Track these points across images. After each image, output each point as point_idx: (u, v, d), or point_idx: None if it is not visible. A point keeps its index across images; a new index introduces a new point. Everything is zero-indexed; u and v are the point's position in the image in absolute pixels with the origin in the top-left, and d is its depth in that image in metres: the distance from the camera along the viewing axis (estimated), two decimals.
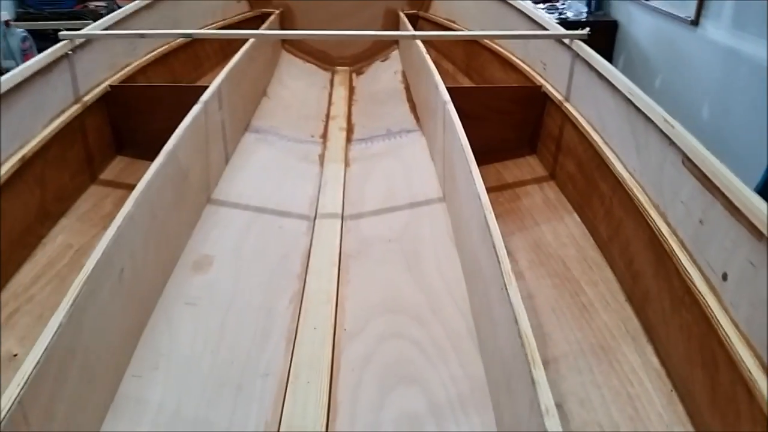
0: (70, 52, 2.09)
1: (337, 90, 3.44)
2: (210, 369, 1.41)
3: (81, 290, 1.15)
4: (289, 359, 1.45)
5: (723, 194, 1.17)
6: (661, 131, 1.46)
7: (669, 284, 1.33)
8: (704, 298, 1.17)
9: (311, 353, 1.47)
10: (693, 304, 1.21)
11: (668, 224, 1.39)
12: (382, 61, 3.71)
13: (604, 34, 4.47)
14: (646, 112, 1.56)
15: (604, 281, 1.65)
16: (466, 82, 3.15)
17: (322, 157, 2.58)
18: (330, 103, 3.24)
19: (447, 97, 2.16)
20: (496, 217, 2.01)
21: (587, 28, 2.16)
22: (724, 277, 1.14)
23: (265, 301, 1.66)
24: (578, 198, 1.99)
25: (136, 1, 2.74)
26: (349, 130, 2.88)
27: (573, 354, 1.41)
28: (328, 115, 3.05)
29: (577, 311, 1.54)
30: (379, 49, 3.74)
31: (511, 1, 2.80)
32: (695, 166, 1.28)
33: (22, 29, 4.05)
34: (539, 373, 0.96)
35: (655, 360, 1.36)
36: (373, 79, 3.56)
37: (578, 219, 1.94)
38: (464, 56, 3.23)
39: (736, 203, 1.12)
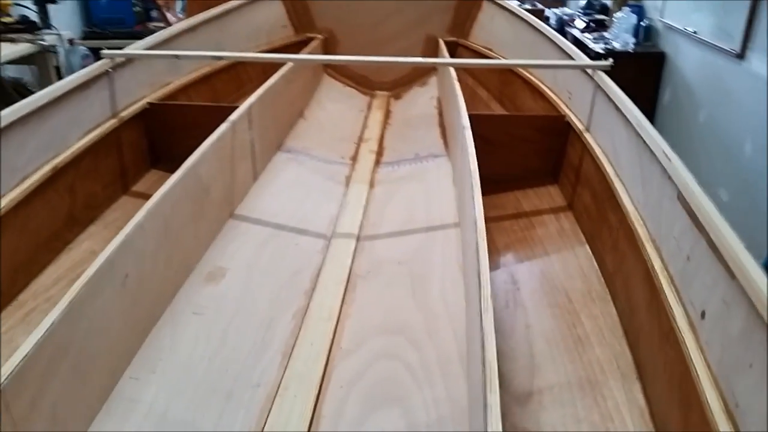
0: (110, 70, 2.22)
1: (374, 113, 3.51)
2: (204, 375, 1.47)
3: (79, 292, 1.23)
4: (282, 372, 1.50)
5: (707, 231, 1.15)
6: (661, 165, 1.45)
7: (658, 320, 1.31)
8: (683, 336, 1.16)
9: (304, 368, 1.51)
10: (675, 342, 1.19)
11: (662, 259, 1.38)
12: (421, 86, 3.77)
13: (651, 66, 4.41)
14: (649, 144, 1.55)
15: (604, 315, 1.63)
16: (498, 109, 3.16)
17: (348, 178, 2.65)
18: (365, 126, 3.31)
19: (466, 122, 2.19)
20: (508, 245, 2.06)
21: (610, 60, 2.16)
22: (703, 315, 1.13)
23: (269, 315, 1.71)
24: (591, 229, 1.98)
25: (181, 23, 2.90)
26: (379, 152, 2.94)
27: (559, 386, 1.40)
28: (361, 138, 3.12)
29: (572, 343, 1.53)
30: (418, 75, 3.80)
31: (543, 30, 2.81)
32: (686, 201, 1.27)
33: (84, 47, 4.33)
34: (493, 398, 0.97)
35: (640, 397, 1.34)
36: (409, 104, 3.62)
37: (589, 251, 1.93)
38: (498, 84, 3.25)
39: (716, 241, 1.10)
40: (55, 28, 4.11)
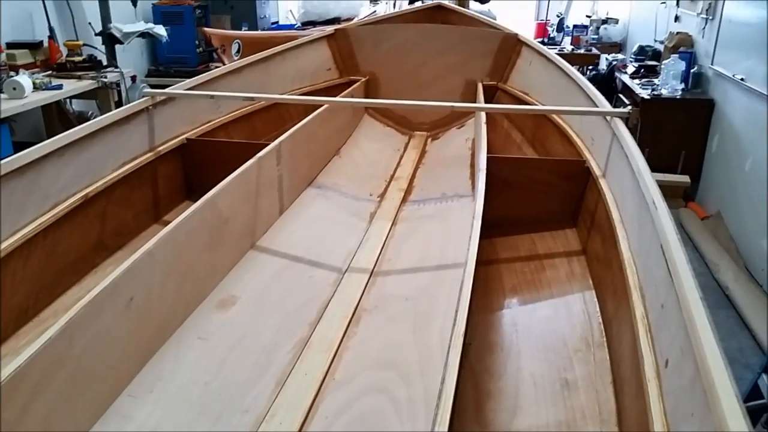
0: (150, 107, 2.39)
1: (409, 153, 3.59)
2: (198, 398, 1.54)
3: (79, 311, 1.34)
4: (273, 399, 1.55)
5: (675, 284, 1.16)
6: (650, 213, 1.45)
7: (637, 369, 1.30)
8: (648, 385, 1.15)
9: (294, 397, 1.57)
10: (642, 391, 1.19)
11: (644, 306, 1.37)
12: (458, 128, 3.83)
13: (700, 113, 4.34)
14: (644, 191, 1.55)
15: (597, 361, 1.62)
16: (530, 152, 3.18)
17: (373, 214, 2.72)
18: (398, 164, 3.39)
19: (483, 164, 2.24)
20: (515, 287, 2.07)
21: (628, 108, 2.17)
22: (666, 363, 1.12)
23: (271, 344, 1.78)
24: (599, 274, 1.97)
25: (228, 66, 3.08)
26: (408, 191, 3.00)
27: (537, 428, 1.40)
28: (392, 176, 3.20)
29: (559, 387, 1.53)
30: (456, 117, 3.86)
31: (572, 76, 2.84)
32: (663, 251, 1.27)
33: (144, 84, 4.63)
34: (441, 430, 1.00)
35: None
36: (445, 145, 3.68)
37: (595, 297, 1.92)
38: (532, 127, 3.27)
39: (678, 292, 1.11)
40: (119, 67, 4.42)
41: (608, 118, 2.22)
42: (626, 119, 2.17)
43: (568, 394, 1.50)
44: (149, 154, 2.39)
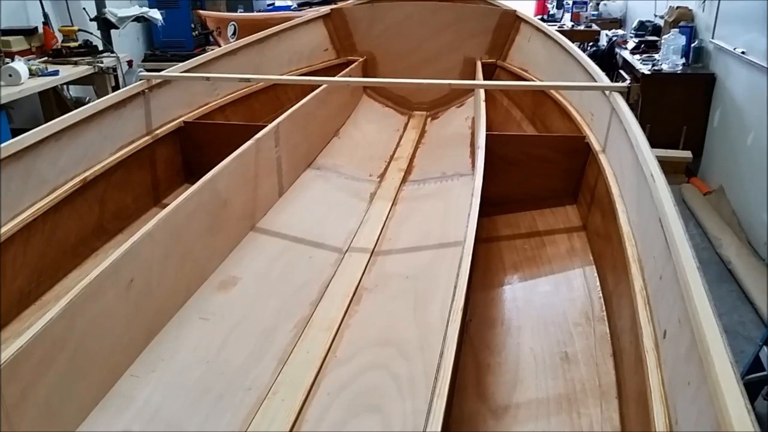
0: (146, 91, 2.38)
1: (409, 133, 3.57)
2: (200, 377, 1.55)
3: (79, 293, 1.34)
4: (275, 377, 1.56)
5: (673, 253, 1.15)
6: (649, 187, 1.44)
7: (636, 340, 1.31)
8: (647, 356, 1.15)
9: (296, 374, 1.58)
10: (641, 362, 1.19)
11: (643, 279, 1.37)
12: (458, 107, 3.81)
13: (701, 88, 4.30)
14: (642, 165, 1.55)
15: (597, 334, 1.62)
16: (530, 130, 3.17)
17: (373, 195, 2.71)
18: (398, 145, 3.38)
19: (482, 142, 2.23)
20: (516, 264, 2.07)
21: (627, 81, 2.16)
22: (664, 334, 1.12)
23: (272, 323, 1.79)
24: (599, 249, 1.97)
25: (223, 47, 3.06)
26: (408, 171, 3.00)
27: (537, 402, 1.40)
28: (392, 156, 3.19)
29: (558, 361, 1.53)
30: (455, 96, 3.84)
31: (572, 52, 2.82)
32: (661, 224, 1.27)
33: (141, 69, 4.60)
34: (439, 403, 1.01)
35: (616, 417, 1.33)
36: (445, 124, 3.67)
37: (595, 271, 1.92)
38: (532, 105, 3.25)
39: (675, 262, 1.10)
40: (115, 52, 4.39)
41: (607, 92, 2.20)
42: (626, 93, 2.15)
43: (567, 368, 1.50)
44: (146, 138, 2.38)
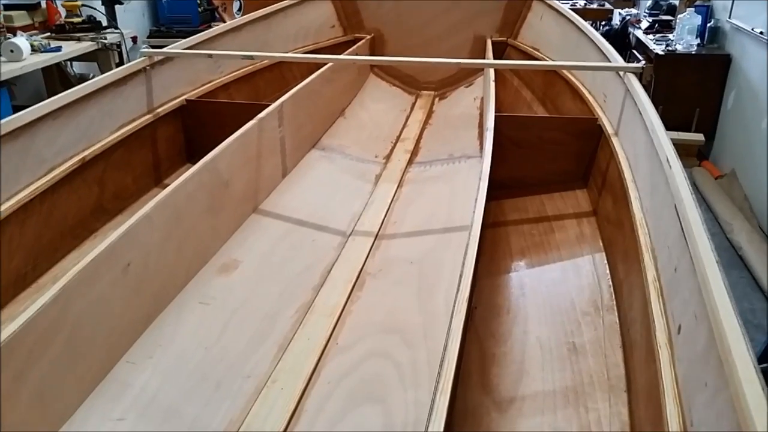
0: (148, 68, 2.33)
1: (416, 113, 3.51)
2: (198, 364, 1.52)
3: (74, 278, 1.30)
4: (275, 365, 1.53)
5: (690, 244, 1.10)
6: (665, 173, 1.38)
7: (647, 333, 1.26)
8: (660, 350, 1.10)
9: (296, 362, 1.54)
10: (653, 357, 1.14)
11: (656, 269, 1.32)
12: (467, 87, 3.74)
13: (716, 69, 4.20)
14: (657, 149, 1.49)
15: (606, 325, 1.57)
16: (540, 111, 3.09)
17: (378, 176, 2.66)
18: (405, 125, 3.31)
19: (491, 124, 2.16)
20: (523, 250, 2.02)
21: (642, 62, 2.08)
22: (679, 329, 1.07)
23: (273, 308, 1.75)
24: (609, 236, 1.91)
25: (227, 24, 2.99)
26: (414, 152, 2.94)
27: (543, 394, 1.36)
28: (398, 137, 3.13)
29: (566, 352, 1.49)
30: (464, 75, 3.76)
31: (585, 31, 2.74)
32: (677, 212, 1.21)
33: (146, 45, 4.54)
34: (442, 399, 0.97)
35: (624, 412, 1.28)
36: (453, 104, 3.59)
37: (605, 259, 1.86)
38: (543, 85, 3.18)
39: (693, 254, 1.05)
40: (119, 28, 4.32)
41: (621, 73, 2.13)
42: (640, 75, 2.08)
43: (575, 359, 1.46)
44: (148, 116, 2.33)
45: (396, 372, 1.50)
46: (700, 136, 4.23)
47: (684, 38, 4.27)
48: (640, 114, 1.82)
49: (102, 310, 1.43)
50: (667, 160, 1.37)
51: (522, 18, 3.69)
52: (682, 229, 1.18)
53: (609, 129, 2.17)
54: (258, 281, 1.87)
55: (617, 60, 2.28)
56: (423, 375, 1.48)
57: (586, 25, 2.82)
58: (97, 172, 2.06)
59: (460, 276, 1.29)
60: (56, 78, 4.24)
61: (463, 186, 2.51)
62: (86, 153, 2.00)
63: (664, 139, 1.50)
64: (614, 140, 2.07)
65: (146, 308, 1.61)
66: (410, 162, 2.82)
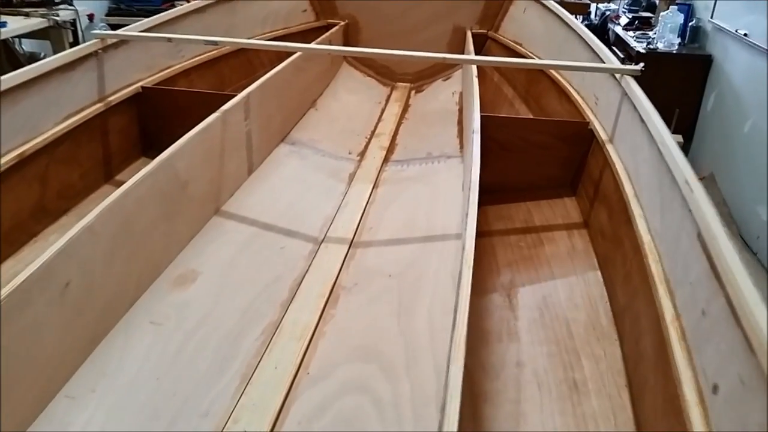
0: (100, 51, 2.09)
1: (391, 106, 3.32)
2: (148, 398, 1.32)
3: (2, 301, 1.09)
4: (237, 399, 1.34)
5: (726, 286, 0.95)
6: (682, 194, 1.23)
7: (665, 379, 1.11)
8: (689, 410, 0.95)
9: (262, 397, 1.35)
10: (679, 412, 0.99)
11: (674, 306, 1.17)
12: (444, 80, 3.56)
13: (696, 69, 4.11)
14: (671, 168, 1.33)
15: (608, 358, 1.43)
16: (522, 110, 2.94)
17: (352, 175, 2.47)
18: (380, 119, 3.13)
19: (477, 125, 2.00)
20: (510, 264, 1.86)
21: (641, 64, 1.93)
22: (715, 389, 0.92)
23: (236, 329, 1.56)
24: (605, 253, 1.77)
25: (189, 4, 2.75)
26: (390, 149, 2.76)
27: None
28: (373, 132, 2.94)
29: (566, 390, 1.34)
30: (442, 68, 3.59)
31: (574, 27, 2.58)
32: (706, 244, 1.06)
33: (103, 23, 4.24)
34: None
35: None
36: (430, 98, 3.42)
37: (600, 277, 1.72)
38: (525, 82, 3.02)
39: (734, 300, 0.90)
40: (73, 4, 4.01)
41: (618, 75, 1.98)
42: (639, 77, 1.93)
43: (578, 399, 1.31)
44: (98, 105, 2.09)
45: (375, 411, 1.33)
46: (678, 138, 4.15)
47: (665, 37, 4.17)
48: (642, 122, 1.67)
49: (35, 338, 1.22)
50: (686, 182, 1.22)
51: (504, 10, 3.53)
52: (711, 266, 1.03)
53: (602, 135, 2.03)
54: (219, 296, 1.67)
55: (611, 60, 2.13)
56: (406, 416, 1.31)
57: (573, 21, 2.68)
58: (38, 169, 1.82)
59: (455, 311, 1.12)
60: (2, 56, 3.91)
61: (443, 189, 2.34)
62: (26, 147, 1.76)
63: (678, 155, 1.35)
64: (609, 147, 1.93)
65: (89, 332, 1.40)
66: (386, 160, 2.64)
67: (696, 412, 0.94)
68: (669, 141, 1.43)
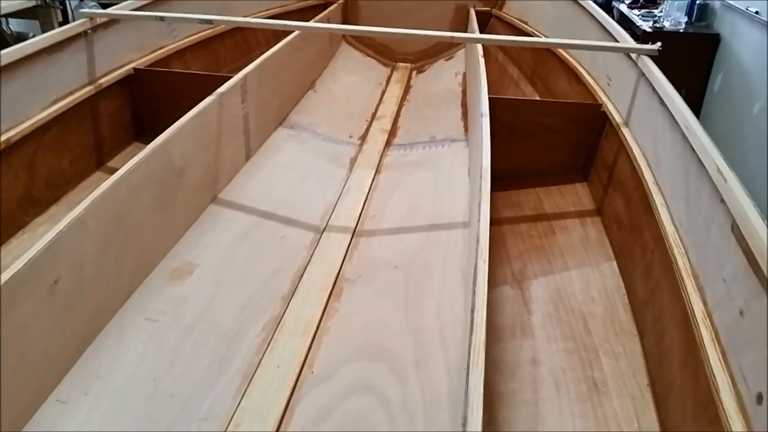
0: (89, 31, 1.98)
1: (392, 88, 3.22)
2: (145, 402, 1.25)
3: None
4: (237, 401, 1.27)
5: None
6: (713, 182, 1.15)
7: (695, 382, 1.04)
8: (729, 418, 0.88)
9: (264, 398, 1.28)
10: (716, 420, 0.92)
11: (705, 303, 1.10)
12: (446, 60, 3.46)
13: (703, 49, 3.99)
14: (699, 154, 1.25)
15: (628, 355, 1.35)
16: (528, 90, 2.85)
17: (353, 160, 2.38)
18: (380, 101, 3.03)
19: (486, 109, 1.90)
20: (521, 254, 1.78)
21: (658, 43, 1.84)
22: (759, 398, 0.85)
23: (236, 325, 1.48)
24: (621, 243, 1.69)
25: None
26: (392, 132, 2.66)
27: None
28: (374, 115, 2.85)
29: (586, 390, 1.27)
30: (444, 48, 3.48)
31: (584, 5, 2.48)
32: (744, 238, 0.98)
33: (93, 2, 4.11)
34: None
35: None
36: (432, 79, 3.32)
37: (616, 268, 1.64)
38: (531, 62, 2.92)
39: None
40: None
41: (633, 55, 1.89)
42: (655, 57, 1.84)
43: (598, 400, 1.24)
44: (89, 88, 2.00)
45: (384, 413, 1.25)
46: None
47: (672, 15, 4.05)
48: (663, 105, 1.59)
49: (23, 340, 1.14)
50: (719, 170, 1.14)
51: None
52: (750, 261, 0.95)
53: (617, 117, 1.94)
54: (217, 290, 1.59)
55: (626, 39, 2.04)
56: (418, 418, 1.24)
57: None
58: (25, 156, 1.73)
59: (472, 311, 1.04)
60: None
61: (448, 174, 2.25)
62: (12, 133, 1.67)
63: (706, 141, 1.27)
64: (624, 131, 1.84)
65: (80, 331, 1.32)
66: (388, 144, 2.55)
67: (736, 420, 0.87)
68: (695, 125, 1.35)
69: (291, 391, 1.30)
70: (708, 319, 1.06)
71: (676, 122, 1.44)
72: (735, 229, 1.03)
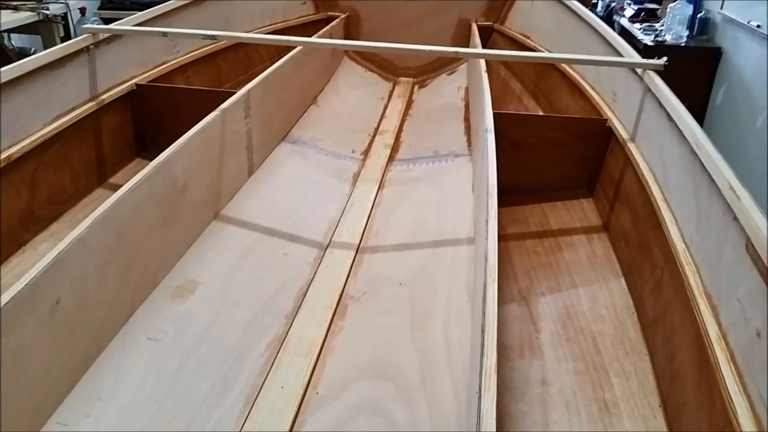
0: (91, 47, 1.98)
1: (394, 102, 3.21)
2: (147, 424, 1.22)
3: None
4: (241, 425, 1.24)
5: None
6: (725, 200, 1.14)
7: (710, 404, 1.02)
8: None
9: (267, 420, 1.26)
10: None
11: (719, 324, 1.07)
12: (449, 74, 3.46)
13: (705, 62, 4.00)
14: (710, 170, 1.24)
15: (639, 374, 1.33)
16: (531, 105, 2.84)
17: (356, 175, 2.37)
18: (383, 116, 3.02)
19: (490, 124, 1.89)
20: (528, 271, 1.76)
21: (664, 58, 1.83)
22: None
23: (239, 345, 1.46)
24: (629, 260, 1.67)
25: None
26: (395, 147, 2.65)
27: None
28: (376, 130, 2.84)
29: (596, 411, 1.24)
30: (446, 62, 3.48)
31: (588, 20, 2.48)
32: (759, 258, 0.96)
33: (96, 18, 4.12)
34: None
35: None
36: (434, 94, 3.31)
37: (625, 286, 1.62)
38: (534, 77, 2.92)
39: None
40: None
41: (638, 70, 1.88)
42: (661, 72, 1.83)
43: (609, 422, 1.21)
44: (91, 104, 1.99)
45: None
46: None
47: (673, 29, 4.06)
48: (670, 120, 1.57)
49: (23, 362, 1.12)
50: (731, 187, 1.12)
51: (510, 2, 3.42)
52: (764, 280, 0.93)
53: (623, 133, 1.92)
54: (220, 309, 1.57)
55: (631, 53, 2.03)
56: None
57: (587, 13, 2.57)
58: (26, 173, 1.72)
59: (482, 332, 1.02)
60: None
61: (452, 190, 2.24)
62: (12, 151, 1.65)
63: (716, 157, 1.25)
64: (631, 146, 1.83)
65: (82, 351, 1.30)
66: (391, 159, 2.54)
67: None
68: (705, 142, 1.33)
69: (295, 413, 1.28)
70: (723, 340, 1.04)
71: (685, 138, 1.43)
72: (749, 247, 1.01)
